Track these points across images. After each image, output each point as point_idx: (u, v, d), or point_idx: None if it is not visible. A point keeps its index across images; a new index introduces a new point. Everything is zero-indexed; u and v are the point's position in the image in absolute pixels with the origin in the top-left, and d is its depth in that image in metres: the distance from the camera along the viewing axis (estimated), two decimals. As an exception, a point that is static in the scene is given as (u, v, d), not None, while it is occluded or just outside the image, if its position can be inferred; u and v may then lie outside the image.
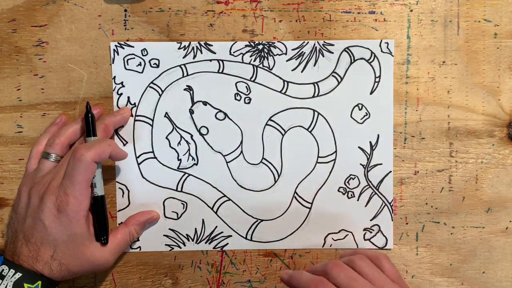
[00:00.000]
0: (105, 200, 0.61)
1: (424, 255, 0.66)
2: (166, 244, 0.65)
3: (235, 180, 0.65)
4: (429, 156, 0.65)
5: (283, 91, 0.64)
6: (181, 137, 0.64)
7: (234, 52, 0.64)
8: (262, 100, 0.64)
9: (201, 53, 0.64)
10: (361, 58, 0.64)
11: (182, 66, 0.64)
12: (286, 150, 0.65)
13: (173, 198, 0.65)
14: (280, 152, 0.65)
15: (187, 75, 0.64)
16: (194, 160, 0.64)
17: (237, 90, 0.64)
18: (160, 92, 0.64)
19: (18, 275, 0.56)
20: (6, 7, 0.63)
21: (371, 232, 0.65)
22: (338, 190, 0.65)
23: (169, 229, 0.65)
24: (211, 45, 0.64)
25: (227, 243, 0.65)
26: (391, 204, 0.65)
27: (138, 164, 0.64)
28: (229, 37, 0.64)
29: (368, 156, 0.65)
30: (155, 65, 0.64)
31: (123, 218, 0.65)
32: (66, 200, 0.56)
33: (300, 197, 0.65)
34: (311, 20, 0.64)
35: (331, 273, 0.53)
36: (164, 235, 0.65)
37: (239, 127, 0.64)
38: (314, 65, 0.64)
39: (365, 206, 0.65)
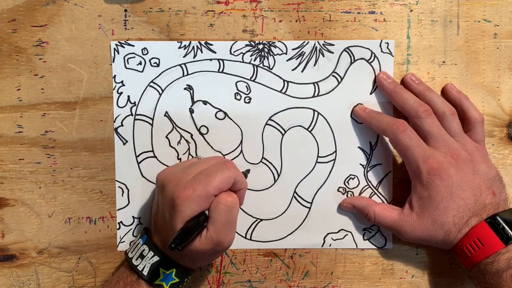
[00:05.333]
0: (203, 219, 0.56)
1: (424, 255, 0.66)
2: (165, 244, 0.65)
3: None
4: (429, 156, 0.65)
5: (283, 91, 0.64)
6: (181, 136, 0.64)
7: (234, 52, 0.64)
8: (262, 100, 0.64)
9: (202, 52, 0.64)
10: (361, 58, 0.64)
11: (182, 66, 0.64)
12: (286, 150, 0.65)
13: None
14: (280, 151, 0.65)
15: (187, 74, 0.64)
16: (194, 160, 0.64)
17: (237, 89, 0.64)
18: (160, 91, 0.64)
19: (156, 258, 0.58)
20: (6, 7, 0.63)
21: (370, 232, 0.65)
22: (338, 190, 0.65)
23: (169, 228, 0.65)
24: (212, 45, 0.64)
25: (227, 243, 0.65)
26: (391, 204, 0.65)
27: (138, 163, 0.64)
28: (229, 37, 0.64)
29: (368, 156, 0.65)
30: (155, 64, 0.64)
31: (123, 217, 0.65)
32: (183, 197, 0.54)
33: (299, 196, 0.65)
34: (311, 20, 0.64)
35: (421, 115, 0.60)
36: (164, 235, 0.65)
37: (239, 127, 0.64)
38: (314, 65, 0.64)
39: (365, 206, 0.65)
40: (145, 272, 0.57)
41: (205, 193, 0.54)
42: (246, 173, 0.62)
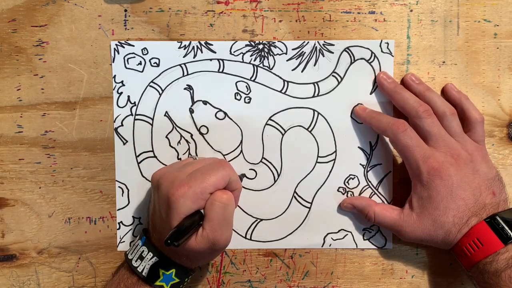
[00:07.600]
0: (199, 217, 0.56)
1: (424, 255, 0.66)
2: (165, 244, 0.65)
3: (235, 180, 0.64)
4: (429, 156, 0.65)
5: (283, 91, 0.64)
6: (181, 136, 0.64)
7: (234, 52, 0.64)
8: (262, 100, 0.64)
9: (201, 52, 0.64)
10: (361, 58, 0.64)
11: (182, 65, 0.64)
12: (286, 150, 0.65)
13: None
14: (280, 151, 0.65)
15: (187, 74, 0.64)
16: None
17: (237, 89, 0.64)
18: (160, 91, 0.64)
19: (155, 259, 0.58)
20: (6, 7, 0.63)
21: (370, 232, 0.65)
22: (338, 190, 0.65)
23: (169, 228, 0.65)
24: (212, 45, 0.64)
25: (227, 243, 0.65)
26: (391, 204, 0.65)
27: (138, 163, 0.64)
28: (229, 37, 0.64)
29: (368, 156, 0.65)
30: (155, 64, 0.64)
31: (123, 217, 0.65)
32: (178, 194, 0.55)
33: (299, 196, 0.65)
34: (311, 20, 0.64)
35: (421, 115, 0.60)
36: (164, 235, 0.65)
37: (239, 127, 0.64)
38: (314, 65, 0.64)
39: (365, 206, 0.65)
40: (144, 274, 0.58)
41: (200, 190, 0.54)
42: (241, 177, 0.62)
